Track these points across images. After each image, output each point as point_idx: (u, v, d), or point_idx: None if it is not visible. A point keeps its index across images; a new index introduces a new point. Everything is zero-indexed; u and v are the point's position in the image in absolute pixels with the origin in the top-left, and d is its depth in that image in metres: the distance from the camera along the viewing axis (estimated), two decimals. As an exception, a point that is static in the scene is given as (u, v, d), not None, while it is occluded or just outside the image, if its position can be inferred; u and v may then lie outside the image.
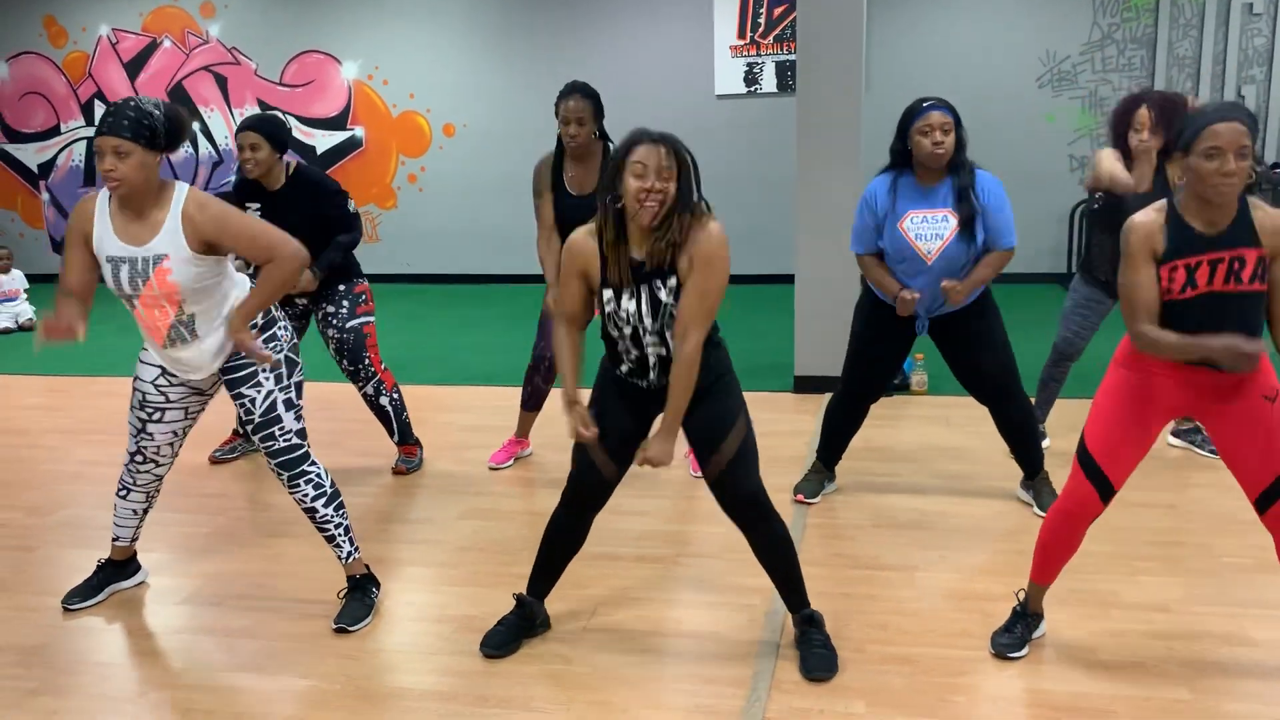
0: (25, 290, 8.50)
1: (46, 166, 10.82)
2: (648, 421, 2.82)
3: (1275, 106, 8.42)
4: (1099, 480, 2.62)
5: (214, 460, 4.67)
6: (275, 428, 3.00)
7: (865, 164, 5.35)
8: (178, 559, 3.63)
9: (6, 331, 8.12)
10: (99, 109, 10.50)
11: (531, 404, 4.47)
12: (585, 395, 2.77)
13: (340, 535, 3.12)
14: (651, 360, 2.68)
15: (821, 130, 5.35)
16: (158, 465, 3.18)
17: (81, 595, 3.26)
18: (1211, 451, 4.36)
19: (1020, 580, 3.08)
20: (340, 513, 3.11)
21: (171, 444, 3.16)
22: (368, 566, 3.22)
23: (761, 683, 2.71)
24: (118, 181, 2.72)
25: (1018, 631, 2.82)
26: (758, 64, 9.14)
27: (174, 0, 10.16)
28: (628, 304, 2.61)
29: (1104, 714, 2.53)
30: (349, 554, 3.14)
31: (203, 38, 10.17)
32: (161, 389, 3.06)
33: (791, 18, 8.84)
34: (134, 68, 10.36)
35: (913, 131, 3.46)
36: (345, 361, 4.31)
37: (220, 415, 4.89)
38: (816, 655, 2.74)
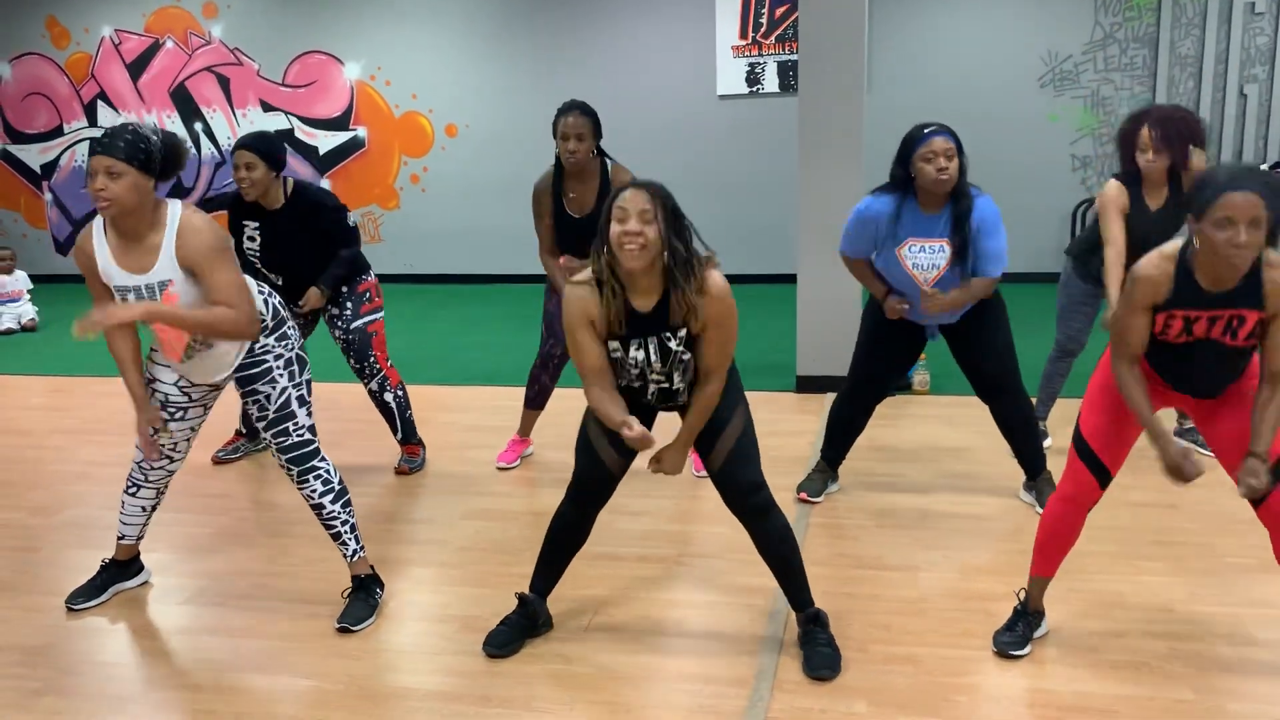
0: (29, 291, 8.51)
1: (49, 167, 10.83)
2: (650, 422, 2.87)
3: (1277, 106, 8.41)
4: (1096, 467, 2.67)
5: (217, 460, 4.68)
6: (289, 423, 3.03)
7: (867, 164, 5.35)
8: (181, 559, 3.64)
9: (9, 332, 8.13)
10: (102, 110, 10.52)
11: (537, 402, 4.47)
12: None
13: (346, 532, 3.13)
14: (652, 391, 2.76)
15: (823, 130, 5.35)
16: (172, 461, 3.20)
17: (85, 595, 3.27)
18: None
19: (1023, 580, 3.08)
20: (347, 510, 3.13)
21: (188, 439, 3.19)
22: (372, 567, 3.23)
23: (764, 682, 2.71)
24: (108, 201, 2.71)
25: (1019, 630, 2.83)
26: (759, 64, 9.14)
27: (176, 1, 10.17)
28: (636, 353, 2.67)
29: (1107, 714, 2.53)
30: (354, 552, 3.15)
31: (205, 38, 10.18)
32: (184, 389, 3.09)
33: (793, 18, 8.84)
34: (136, 68, 10.37)
35: (915, 158, 3.40)
36: (352, 359, 4.34)
37: (223, 416, 4.90)
38: (820, 654, 2.74)
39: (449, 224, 10.09)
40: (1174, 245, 2.49)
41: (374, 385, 4.37)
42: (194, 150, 10.41)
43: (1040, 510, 3.77)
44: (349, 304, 4.29)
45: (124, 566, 3.36)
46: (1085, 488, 2.69)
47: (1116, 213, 3.96)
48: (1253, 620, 2.97)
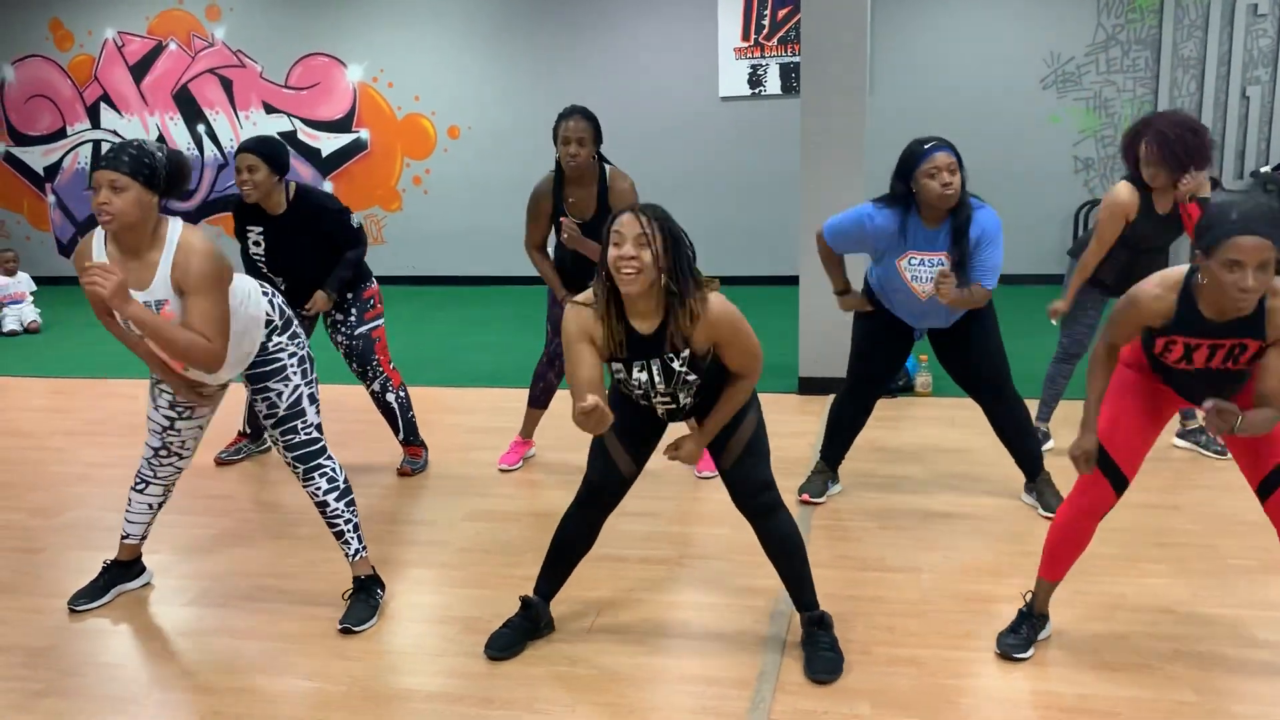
0: (31, 293, 8.52)
1: (53, 169, 10.86)
2: (662, 426, 2.89)
3: (1280, 107, 8.42)
4: (1112, 472, 2.67)
5: (220, 462, 4.68)
6: (299, 421, 3.04)
7: (869, 165, 5.36)
8: (183, 560, 3.64)
9: (12, 334, 8.14)
10: (105, 112, 10.54)
11: (541, 400, 4.47)
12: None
13: (349, 531, 3.14)
14: (660, 411, 2.79)
15: (825, 132, 5.35)
16: (180, 458, 3.22)
17: (88, 596, 3.27)
18: (1216, 452, 4.36)
19: (1026, 581, 3.08)
20: (351, 509, 3.14)
21: (196, 437, 3.21)
22: (373, 567, 3.23)
23: (766, 684, 2.71)
24: (111, 216, 2.70)
25: (1023, 632, 2.82)
26: (762, 66, 9.15)
27: (179, 3, 10.19)
28: (639, 375, 2.68)
29: (1109, 715, 2.53)
30: (356, 551, 3.15)
31: (208, 40, 10.20)
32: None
33: (796, 20, 8.85)
34: (140, 70, 10.39)
35: (919, 174, 3.39)
36: (354, 364, 4.35)
37: (225, 416, 4.90)
38: (822, 657, 2.74)
39: (451, 225, 10.10)
40: (1178, 272, 2.49)
41: (376, 387, 4.38)
42: (196, 153, 10.42)
43: (1043, 511, 3.77)
44: (353, 310, 4.30)
45: (126, 567, 3.37)
46: (1101, 494, 2.69)
47: (1118, 217, 3.95)
48: (1255, 622, 2.96)
